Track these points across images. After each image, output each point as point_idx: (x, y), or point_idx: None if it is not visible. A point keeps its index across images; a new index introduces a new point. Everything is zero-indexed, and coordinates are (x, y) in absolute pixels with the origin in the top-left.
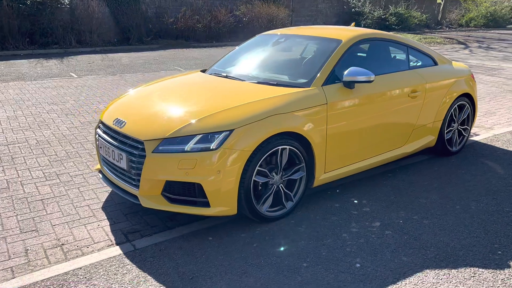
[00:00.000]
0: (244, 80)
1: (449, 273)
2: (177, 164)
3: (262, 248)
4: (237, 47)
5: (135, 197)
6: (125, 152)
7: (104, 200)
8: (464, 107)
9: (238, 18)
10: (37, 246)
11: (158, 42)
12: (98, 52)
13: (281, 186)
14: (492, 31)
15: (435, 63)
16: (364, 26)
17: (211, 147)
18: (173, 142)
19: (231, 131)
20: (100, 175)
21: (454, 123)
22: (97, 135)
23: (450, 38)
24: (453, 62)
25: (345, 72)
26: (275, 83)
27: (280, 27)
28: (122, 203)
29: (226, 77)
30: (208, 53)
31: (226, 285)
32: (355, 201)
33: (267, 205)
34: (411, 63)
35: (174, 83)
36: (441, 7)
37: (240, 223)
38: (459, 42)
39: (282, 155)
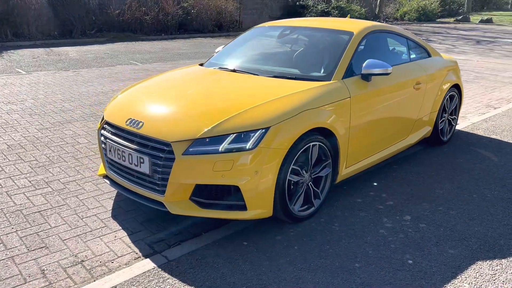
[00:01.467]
0: (257, 75)
1: (501, 263)
2: (212, 166)
3: (305, 250)
4: (234, 40)
5: (159, 203)
6: (148, 155)
7: (111, 208)
8: (454, 97)
9: (186, 10)
10: (54, 265)
11: (104, 35)
12: (39, 46)
13: (310, 184)
14: (425, 25)
15: (429, 55)
16: None
17: (247, 147)
18: (205, 143)
19: (267, 128)
20: (107, 181)
21: (445, 113)
22: (102, 137)
23: None
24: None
25: (364, 65)
26: (294, 76)
27: (229, 20)
28: (132, 210)
29: (234, 71)
30: (160, 46)
31: None
32: (376, 195)
33: (298, 205)
34: (411, 55)
35: (181, 78)
36: (378, 1)
37: (267, 225)
38: None
39: (312, 151)
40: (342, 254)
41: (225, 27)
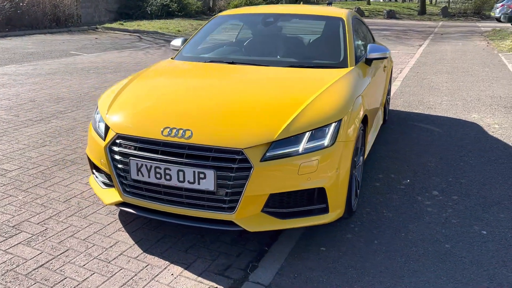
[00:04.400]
0: (268, 65)
1: None
2: (297, 169)
3: (388, 242)
4: (201, 30)
5: (228, 223)
6: (212, 168)
7: (134, 242)
8: (390, 78)
9: (14, 3)
10: None
11: None
12: None
13: (355, 175)
14: None
15: (374, 41)
16: (150, 13)
17: (326, 144)
18: (283, 145)
19: (339, 121)
20: (130, 209)
21: (388, 94)
22: (117, 156)
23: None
24: None
25: (368, 50)
26: (312, 65)
27: (67, 14)
28: (161, 239)
29: (233, 63)
30: None
31: None
32: (385, 177)
33: (354, 198)
34: (373, 40)
35: (182, 76)
36: None
37: (317, 226)
38: None
39: (360, 140)
40: (419, 236)
41: (63, 22)
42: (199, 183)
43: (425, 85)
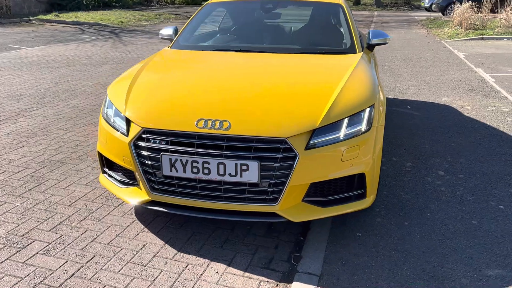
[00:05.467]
0: (277, 52)
1: None
2: (341, 156)
3: (418, 223)
4: (193, 19)
5: (271, 215)
6: (256, 159)
7: (164, 242)
8: None
9: None
10: None
11: None
12: None
13: None
14: (194, 7)
15: None
16: (86, 4)
17: (363, 129)
18: (325, 132)
19: (372, 106)
20: (161, 208)
21: None
22: (144, 152)
23: (177, 14)
24: None
25: (370, 35)
26: (323, 51)
27: None
28: (191, 236)
29: (241, 51)
30: None
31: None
32: (387, 161)
33: None
34: None
35: (196, 65)
36: None
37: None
38: (188, 18)
39: None
40: (444, 215)
41: None
42: (241, 176)
43: (388, 72)
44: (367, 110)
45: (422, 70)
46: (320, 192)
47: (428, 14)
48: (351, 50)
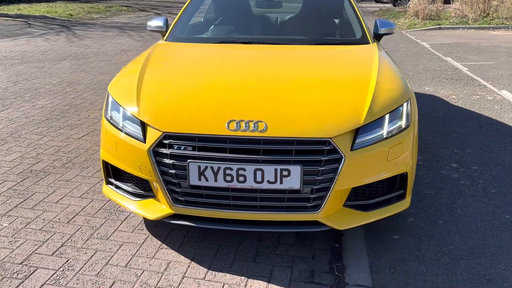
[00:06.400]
0: (290, 44)
1: None
2: (386, 155)
3: (462, 227)
4: (186, 10)
5: (312, 224)
6: (298, 163)
7: (193, 258)
8: None
9: None
10: None
11: None
12: None
13: None
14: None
15: None
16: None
17: (403, 125)
18: (369, 130)
19: (408, 101)
20: (186, 222)
21: None
22: (167, 160)
23: (128, 6)
24: None
25: (378, 25)
26: (337, 42)
27: None
28: (218, 252)
29: (248, 42)
30: None
31: None
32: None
33: None
34: None
35: (206, 59)
36: None
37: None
38: (141, 10)
39: None
40: (475, 211)
41: None
42: (281, 182)
43: None
44: (405, 105)
45: (396, 60)
46: (361, 196)
47: (380, 5)
48: (364, 41)
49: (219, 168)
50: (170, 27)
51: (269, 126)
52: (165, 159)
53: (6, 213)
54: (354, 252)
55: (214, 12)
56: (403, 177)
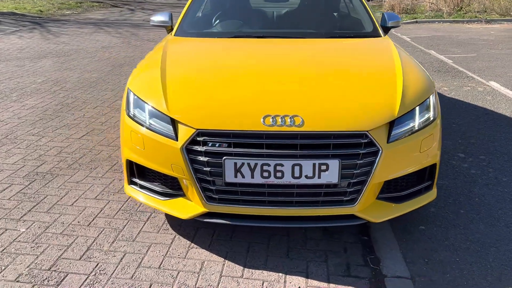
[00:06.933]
0: (305, 37)
1: None
2: (419, 147)
3: (484, 215)
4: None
5: (348, 218)
6: (336, 157)
7: (226, 257)
8: None
9: None
10: None
11: None
12: None
13: None
14: None
15: None
16: None
17: (432, 117)
18: (402, 122)
19: (433, 93)
20: (221, 220)
21: None
22: (201, 157)
23: (99, 2)
24: None
25: (386, 17)
26: (351, 35)
27: None
28: (250, 249)
29: (264, 37)
30: None
31: None
32: None
33: None
34: None
35: (238, 56)
36: None
37: None
38: (113, 6)
39: None
40: (493, 199)
41: None
42: (319, 177)
43: None
44: (431, 97)
45: None
46: (393, 188)
47: None
48: (375, 34)
49: (256, 164)
50: (178, 22)
51: (305, 120)
52: (199, 157)
53: (21, 217)
54: (385, 244)
55: (210, 7)
56: (432, 168)
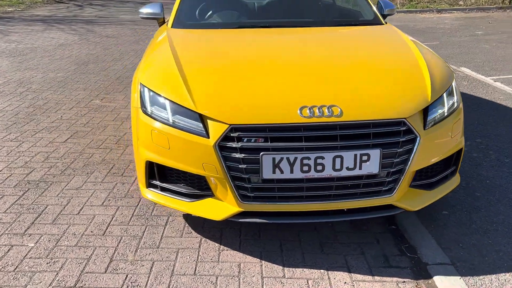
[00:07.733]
0: (310, 26)
1: None
2: (451, 132)
3: (504, 197)
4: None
5: (385, 208)
6: (377, 146)
7: (260, 257)
8: None
9: None
10: None
11: None
12: None
13: None
14: None
15: None
16: None
17: (456, 103)
18: (434, 108)
19: (454, 79)
20: (257, 219)
21: None
22: (237, 154)
23: None
24: None
25: (383, 5)
26: (352, 23)
27: None
28: (283, 248)
29: (269, 26)
30: None
31: None
32: None
33: None
34: None
35: (252, 47)
36: None
37: None
38: (58, 2)
39: None
40: (504, 182)
41: None
42: (360, 168)
43: None
44: (453, 84)
45: None
46: (424, 175)
47: None
48: (377, 21)
49: (295, 158)
50: (173, 14)
51: (344, 110)
52: (233, 154)
53: (25, 231)
54: (416, 232)
55: None
56: (458, 153)
